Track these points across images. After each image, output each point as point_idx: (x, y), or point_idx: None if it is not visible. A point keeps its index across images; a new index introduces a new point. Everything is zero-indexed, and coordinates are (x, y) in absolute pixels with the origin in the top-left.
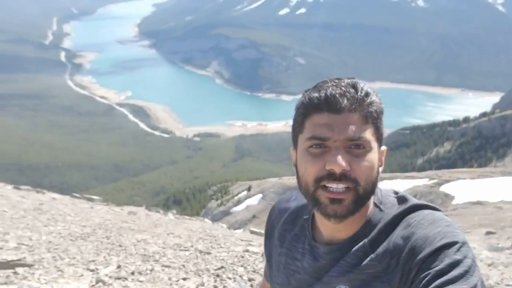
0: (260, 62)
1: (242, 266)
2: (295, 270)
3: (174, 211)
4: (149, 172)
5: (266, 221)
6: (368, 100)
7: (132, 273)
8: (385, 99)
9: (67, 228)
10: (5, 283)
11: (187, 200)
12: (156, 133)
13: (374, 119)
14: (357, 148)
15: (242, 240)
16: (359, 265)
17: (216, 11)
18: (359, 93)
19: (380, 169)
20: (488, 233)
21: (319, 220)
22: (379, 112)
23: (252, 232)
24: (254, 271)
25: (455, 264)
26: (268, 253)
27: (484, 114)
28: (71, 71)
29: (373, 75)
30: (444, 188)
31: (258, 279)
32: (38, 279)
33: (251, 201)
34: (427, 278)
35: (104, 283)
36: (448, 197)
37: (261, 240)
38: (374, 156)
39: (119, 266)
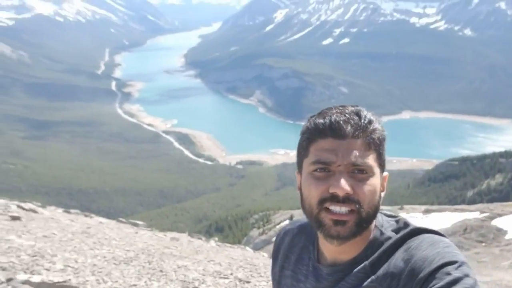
0: (303, 91)
1: None
2: None
3: (216, 238)
4: (192, 199)
5: (273, 244)
6: (371, 127)
7: None
8: (432, 129)
9: (111, 252)
10: None
11: (229, 228)
12: (200, 160)
13: (376, 145)
14: (360, 173)
15: None
16: (360, 286)
17: (260, 42)
18: (362, 120)
19: (382, 194)
20: None
21: (322, 242)
22: (382, 139)
23: None
24: None
25: (455, 282)
26: (275, 276)
27: None
28: (120, 99)
29: (419, 104)
30: (496, 222)
31: None
32: None
33: None
34: None
35: None
36: (500, 232)
37: None
38: (376, 181)
39: None
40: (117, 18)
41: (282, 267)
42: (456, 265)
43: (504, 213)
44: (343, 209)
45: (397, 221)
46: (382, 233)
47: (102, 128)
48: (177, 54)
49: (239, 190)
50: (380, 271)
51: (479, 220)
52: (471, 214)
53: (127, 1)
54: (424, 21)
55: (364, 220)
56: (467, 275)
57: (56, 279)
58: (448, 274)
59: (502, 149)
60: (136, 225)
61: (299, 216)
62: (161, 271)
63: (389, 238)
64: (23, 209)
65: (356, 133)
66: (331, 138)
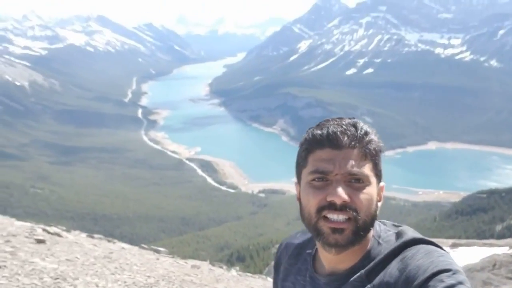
0: None
1: None
2: None
3: (237, 268)
4: (214, 227)
5: (274, 257)
6: (367, 139)
7: None
8: (459, 160)
9: (132, 277)
10: None
11: (250, 257)
12: (223, 188)
13: (372, 155)
14: (356, 182)
15: None
16: None
17: (284, 72)
18: (359, 131)
19: (379, 204)
20: None
21: (321, 252)
22: (378, 150)
23: None
24: None
25: None
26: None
27: None
28: (146, 127)
29: (445, 135)
30: None
31: None
32: None
33: None
34: None
35: None
36: None
37: None
38: (373, 190)
39: None
40: (145, 48)
41: (282, 279)
42: (450, 273)
43: None
44: (341, 217)
45: (395, 232)
46: (379, 243)
47: (128, 154)
48: (202, 83)
49: (261, 218)
50: (376, 280)
51: (509, 255)
52: (500, 249)
53: (155, 32)
54: (449, 51)
55: (361, 228)
56: (461, 283)
57: None
58: (442, 281)
59: None
60: (157, 251)
61: None
62: None
63: (386, 248)
64: (48, 232)
65: (353, 143)
66: (329, 148)
